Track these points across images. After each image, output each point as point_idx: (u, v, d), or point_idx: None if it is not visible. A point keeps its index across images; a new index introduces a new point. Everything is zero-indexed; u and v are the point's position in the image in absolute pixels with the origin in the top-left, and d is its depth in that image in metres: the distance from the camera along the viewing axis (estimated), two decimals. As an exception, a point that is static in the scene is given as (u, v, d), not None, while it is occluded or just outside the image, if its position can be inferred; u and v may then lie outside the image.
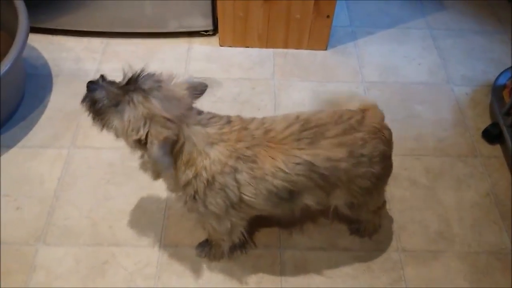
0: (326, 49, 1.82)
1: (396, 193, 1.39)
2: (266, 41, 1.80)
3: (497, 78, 1.63)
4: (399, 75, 1.75)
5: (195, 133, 0.93)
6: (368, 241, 1.28)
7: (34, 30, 1.76)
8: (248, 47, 1.82)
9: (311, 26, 1.73)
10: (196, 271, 1.21)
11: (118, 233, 1.27)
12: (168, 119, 0.88)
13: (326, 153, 0.96)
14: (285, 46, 1.81)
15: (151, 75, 0.91)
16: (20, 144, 1.46)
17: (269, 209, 1.04)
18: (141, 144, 0.90)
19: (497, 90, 1.59)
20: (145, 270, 1.20)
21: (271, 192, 0.98)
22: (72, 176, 1.39)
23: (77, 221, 1.29)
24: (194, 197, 0.99)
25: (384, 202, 1.24)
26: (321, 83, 1.70)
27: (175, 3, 1.73)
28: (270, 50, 1.81)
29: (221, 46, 1.82)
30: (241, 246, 1.23)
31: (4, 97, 1.45)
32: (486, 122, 1.58)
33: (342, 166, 0.97)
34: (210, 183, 0.96)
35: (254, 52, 1.80)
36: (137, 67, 0.92)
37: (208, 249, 1.22)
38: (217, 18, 1.77)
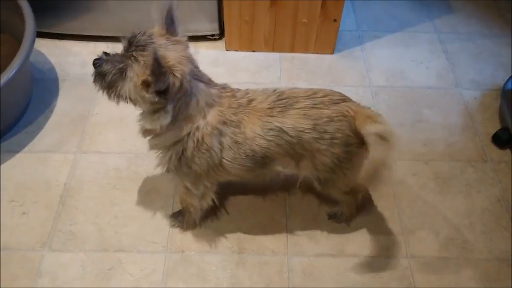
0: (333, 53, 1.81)
1: (404, 198, 1.37)
2: (273, 45, 1.79)
3: (506, 82, 1.61)
4: (407, 79, 1.73)
5: (200, 91, 1.00)
6: (377, 247, 1.26)
7: (41, 34, 1.76)
8: (254, 51, 1.81)
9: (318, 30, 1.72)
10: (203, 277, 1.20)
11: (124, 239, 1.26)
12: (169, 64, 0.93)
13: (292, 122, 1.05)
14: (292, 50, 1.80)
15: (143, 33, 0.98)
16: (26, 149, 1.46)
17: (243, 174, 1.12)
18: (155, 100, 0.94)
19: (506, 94, 1.57)
20: (151, 277, 1.19)
21: (248, 156, 1.06)
22: (78, 181, 1.39)
23: (83, 227, 1.28)
24: (180, 157, 1.05)
25: (362, 189, 1.25)
26: (328, 87, 1.68)
27: (181, 8, 1.70)
28: (277, 54, 1.80)
29: (227, 50, 1.82)
30: (212, 213, 1.28)
31: (11, 101, 1.45)
32: (495, 126, 1.56)
33: (306, 136, 1.05)
34: (200, 143, 1.03)
35: (261, 56, 1.80)
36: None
37: (182, 217, 1.27)
38: (223, 22, 1.76)
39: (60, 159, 1.44)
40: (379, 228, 1.31)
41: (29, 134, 1.50)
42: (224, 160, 1.07)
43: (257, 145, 1.05)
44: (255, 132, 1.04)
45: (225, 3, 1.65)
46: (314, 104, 1.06)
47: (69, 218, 1.30)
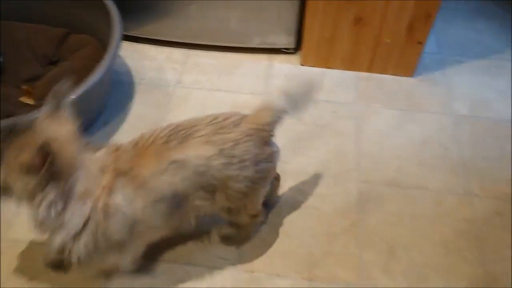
0: (412, 76, 1.73)
1: (488, 240, 1.28)
2: (350, 64, 1.73)
3: None
4: (492, 111, 1.63)
5: (87, 161, 0.92)
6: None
7: (120, 37, 1.79)
8: (329, 68, 1.76)
9: (400, 52, 1.65)
10: (272, 302, 1.16)
11: (194, 253, 1.24)
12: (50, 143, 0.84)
13: (195, 151, 0.97)
14: (369, 70, 1.74)
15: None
16: (102, 150, 1.47)
17: (164, 222, 1.02)
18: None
19: None
20: (219, 294, 1.17)
21: (157, 200, 0.96)
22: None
23: (154, 235, 1.28)
24: (95, 236, 0.93)
25: (260, 211, 1.20)
26: (406, 112, 1.62)
27: (260, 19, 1.71)
28: (352, 73, 1.75)
29: (302, 65, 1.78)
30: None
31: (94, 102, 1.48)
32: None
33: (214, 163, 0.98)
34: (106, 210, 0.92)
35: (336, 74, 1.75)
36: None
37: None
38: (301, 37, 1.73)
39: (133, 163, 1.44)
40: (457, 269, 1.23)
41: (105, 135, 1.51)
42: (138, 213, 0.95)
43: (159, 184, 0.95)
44: (152, 171, 0.94)
45: (307, 18, 1.62)
46: (217, 130, 0.99)
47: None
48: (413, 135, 1.55)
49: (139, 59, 1.78)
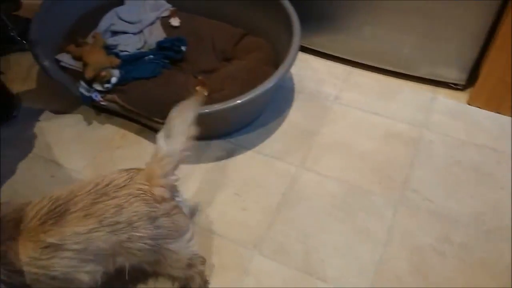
0: None
1: None
2: (523, 113, 1.59)
3: None
4: None
5: None
6: None
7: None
8: (500, 113, 1.63)
9: None
10: None
11: (328, 270, 1.26)
12: None
13: (73, 228, 0.91)
14: (546, 123, 1.57)
15: None
16: (256, 149, 1.56)
17: None
18: None
19: None
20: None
21: (38, 282, 0.92)
22: (295, 195, 1.43)
23: (292, 242, 1.32)
24: None
25: (200, 259, 1.14)
26: None
27: (434, 49, 1.65)
28: (522, 122, 1.60)
29: (468, 104, 1.68)
30: None
31: (259, 105, 1.57)
32: None
33: (96, 236, 0.92)
34: None
35: (506, 121, 1.61)
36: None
37: None
38: (475, 74, 1.63)
39: (283, 168, 1.51)
40: None
41: (261, 136, 1.60)
42: None
43: (35, 270, 0.91)
44: (26, 258, 0.90)
45: (490, 56, 1.52)
46: (95, 199, 0.93)
47: (281, 229, 1.35)
48: None
49: (303, 68, 1.84)
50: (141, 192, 0.96)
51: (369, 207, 1.40)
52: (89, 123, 1.64)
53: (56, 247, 0.92)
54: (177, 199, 1.03)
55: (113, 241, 0.95)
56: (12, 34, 1.84)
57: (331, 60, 1.87)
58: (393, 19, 1.64)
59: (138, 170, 1.00)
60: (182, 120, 1.00)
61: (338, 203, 1.41)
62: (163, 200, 0.98)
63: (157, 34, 1.76)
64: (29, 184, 1.47)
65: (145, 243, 0.98)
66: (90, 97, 1.51)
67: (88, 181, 0.98)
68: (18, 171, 1.51)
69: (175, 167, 1.00)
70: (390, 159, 1.51)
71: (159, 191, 0.97)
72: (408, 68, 1.75)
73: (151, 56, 1.66)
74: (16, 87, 1.73)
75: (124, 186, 0.96)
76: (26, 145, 1.58)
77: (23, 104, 1.70)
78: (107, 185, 0.97)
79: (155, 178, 0.98)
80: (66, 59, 1.60)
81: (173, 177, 1.01)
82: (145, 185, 0.97)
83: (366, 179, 1.46)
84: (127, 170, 1.00)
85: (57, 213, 0.93)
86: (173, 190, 1.02)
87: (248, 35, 1.80)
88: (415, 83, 1.76)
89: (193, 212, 1.37)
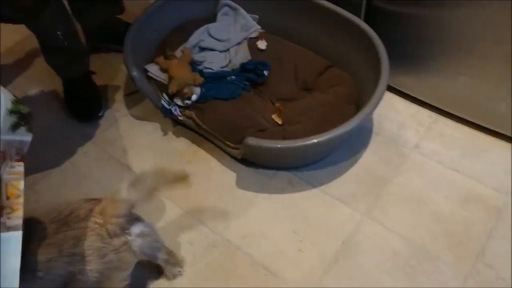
0: None
1: None
2: None
3: None
4: None
5: None
6: None
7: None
8: None
9: None
10: None
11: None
12: None
13: (38, 256, 0.97)
14: None
15: None
16: (322, 187, 1.51)
17: None
18: None
19: None
20: None
21: None
22: (356, 245, 1.37)
23: (345, 296, 1.27)
24: None
25: None
26: None
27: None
28: None
29: None
30: None
31: (335, 144, 1.53)
32: None
33: (55, 265, 0.99)
34: None
35: None
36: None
37: None
38: None
39: (347, 213, 1.45)
40: None
41: (329, 174, 1.55)
42: None
43: None
44: None
45: None
46: (57, 229, 1.00)
47: (335, 280, 1.30)
48: None
49: (384, 108, 1.75)
50: (97, 226, 1.03)
51: (434, 274, 1.30)
52: (165, 133, 1.69)
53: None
54: (126, 237, 1.07)
55: (68, 271, 1.02)
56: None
57: (416, 103, 1.76)
58: (493, 70, 1.50)
59: (98, 201, 1.07)
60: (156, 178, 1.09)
61: (400, 262, 1.33)
62: (116, 236, 1.04)
63: (242, 55, 1.77)
64: (101, 184, 1.54)
65: (93, 276, 1.05)
66: (170, 111, 1.56)
67: (52, 207, 1.06)
68: (94, 169, 1.59)
69: (129, 210, 1.06)
70: (467, 225, 1.39)
71: (112, 228, 1.04)
72: (502, 126, 1.60)
73: (233, 77, 1.67)
74: (103, 87, 1.83)
75: (84, 218, 1.03)
76: (105, 145, 1.66)
77: (108, 105, 1.79)
78: (69, 214, 1.03)
79: (110, 214, 1.04)
80: (153, 70, 1.67)
81: (126, 217, 1.06)
82: (101, 221, 1.04)
83: (435, 243, 1.36)
84: (89, 200, 1.08)
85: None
86: (125, 228, 1.07)
87: (332, 67, 1.76)
88: (507, 143, 1.61)
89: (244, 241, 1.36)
